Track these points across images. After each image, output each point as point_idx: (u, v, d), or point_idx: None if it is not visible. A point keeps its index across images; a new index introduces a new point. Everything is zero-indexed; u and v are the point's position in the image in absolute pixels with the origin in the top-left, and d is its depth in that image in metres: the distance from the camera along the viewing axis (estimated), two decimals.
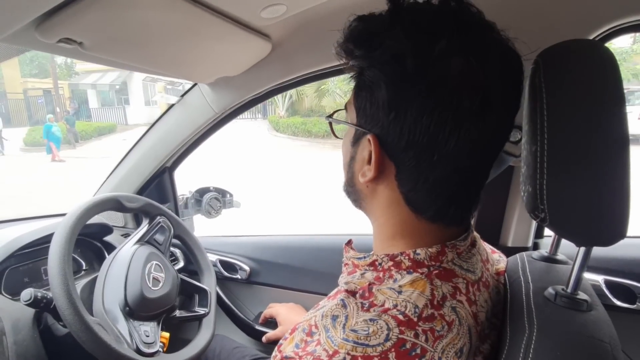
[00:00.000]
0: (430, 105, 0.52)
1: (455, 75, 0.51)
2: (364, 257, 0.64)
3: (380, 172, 0.59)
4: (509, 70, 0.56)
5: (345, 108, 0.67)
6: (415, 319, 0.52)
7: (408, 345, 0.50)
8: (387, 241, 0.64)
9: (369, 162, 0.59)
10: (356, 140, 0.63)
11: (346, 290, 0.58)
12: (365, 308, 0.54)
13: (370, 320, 0.52)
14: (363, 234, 0.98)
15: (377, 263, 0.61)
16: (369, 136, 0.58)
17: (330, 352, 0.50)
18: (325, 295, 0.69)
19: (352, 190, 0.67)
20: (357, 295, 0.57)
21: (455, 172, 0.56)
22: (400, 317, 0.52)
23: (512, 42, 0.57)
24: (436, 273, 0.57)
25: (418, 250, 0.59)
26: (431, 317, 0.53)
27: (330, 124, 0.73)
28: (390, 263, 0.60)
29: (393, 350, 0.49)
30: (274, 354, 0.60)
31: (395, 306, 0.53)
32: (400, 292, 0.55)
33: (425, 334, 0.51)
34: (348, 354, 0.49)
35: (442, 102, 0.52)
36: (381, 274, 0.60)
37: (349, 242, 0.71)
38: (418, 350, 0.50)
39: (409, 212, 0.60)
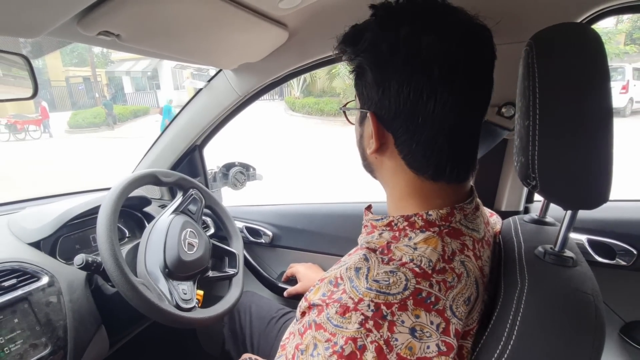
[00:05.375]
0: (407, 77, 0.56)
1: (423, 50, 0.55)
2: (382, 219, 0.65)
3: (382, 144, 0.63)
4: (472, 42, 0.57)
5: (355, 97, 0.71)
6: (430, 272, 0.54)
7: (424, 294, 0.52)
8: (398, 202, 0.66)
9: (372, 136, 0.63)
10: (362, 121, 0.68)
11: (367, 248, 0.60)
12: (385, 262, 0.56)
13: (390, 272, 0.53)
14: (378, 202, 0.99)
15: (393, 224, 0.63)
16: (368, 114, 0.62)
17: (356, 300, 0.52)
18: (339, 255, 0.70)
19: (366, 163, 0.71)
20: (377, 252, 0.58)
21: (441, 133, 0.58)
22: (417, 269, 0.54)
23: (480, 20, 0.59)
24: (446, 232, 0.59)
25: (430, 212, 0.60)
26: (443, 270, 0.55)
27: (345, 112, 0.79)
28: (405, 223, 0.61)
29: (411, 297, 0.51)
30: (300, 302, 0.62)
31: (411, 260, 0.55)
32: (415, 249, 0.56)
33: (439, 284, 0.53)
34: (372, 301, 0.51)
35: (416, 72, 0.56)
36: (397, 233, 0.61)
37: (369, 207, 0.73)
38: (432, 299, 0.52)
39: (412, 175, 0.62)
